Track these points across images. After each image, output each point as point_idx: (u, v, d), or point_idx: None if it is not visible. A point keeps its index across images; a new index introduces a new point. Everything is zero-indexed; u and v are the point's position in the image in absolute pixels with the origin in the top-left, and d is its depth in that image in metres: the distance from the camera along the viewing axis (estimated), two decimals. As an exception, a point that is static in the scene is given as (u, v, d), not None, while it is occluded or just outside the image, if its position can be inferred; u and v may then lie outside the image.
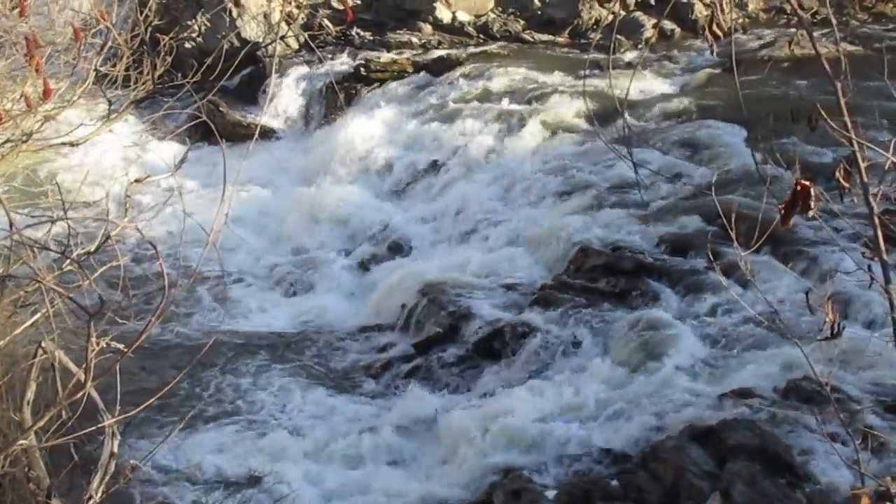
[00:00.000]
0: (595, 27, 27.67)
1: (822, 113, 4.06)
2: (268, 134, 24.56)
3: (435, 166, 20.86)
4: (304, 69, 26.31)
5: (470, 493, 11.94)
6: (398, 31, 28.24)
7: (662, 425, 11.99)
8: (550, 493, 11.37)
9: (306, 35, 25.19)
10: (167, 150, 19.90)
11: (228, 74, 7.69)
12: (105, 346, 4.73)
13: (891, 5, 27.58)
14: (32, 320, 5.70)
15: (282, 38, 25.28)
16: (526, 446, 12.32)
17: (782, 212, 4.06)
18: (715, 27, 4.88)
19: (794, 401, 11.88)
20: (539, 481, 11.74)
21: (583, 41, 27.47)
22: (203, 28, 26.72)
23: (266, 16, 26.93)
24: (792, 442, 11.11)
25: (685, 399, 12.37)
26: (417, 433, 13.54)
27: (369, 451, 13.30)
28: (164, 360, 14.88)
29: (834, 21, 5.15)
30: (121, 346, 4.82)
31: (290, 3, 18.18)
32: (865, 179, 4.14)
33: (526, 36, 27.97)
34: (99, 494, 5.26)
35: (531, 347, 14.37)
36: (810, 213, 4.02)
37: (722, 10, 4.88)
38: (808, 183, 4.04)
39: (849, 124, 4.15)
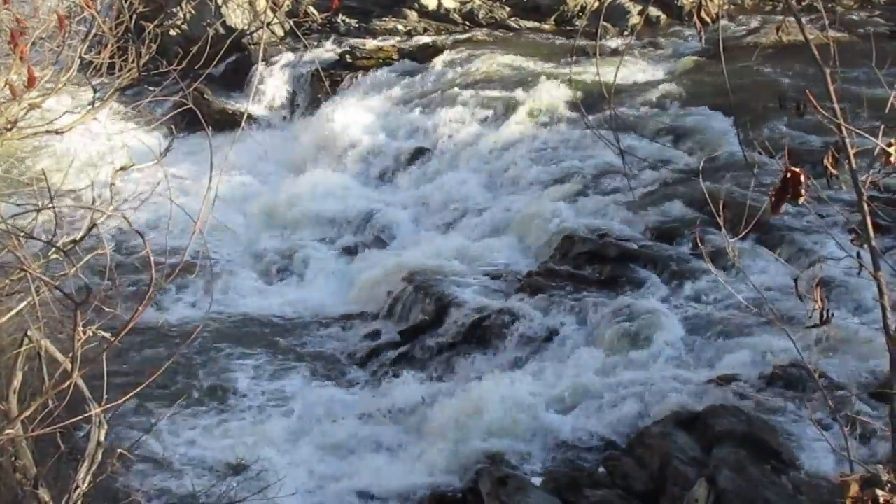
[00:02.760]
0: (581, 14, 27.65)
1: (812, 99, 4.05)
2: (254, 121, 24.49)
3: (420, 154, 20.83)
4: (289, 57, 26.27)
5: (456, 480, 11.95)
6: (383, 19, 28.21)
7: (648, 412, 12.02)
8: (537, 480, 11.37)
9: (292, 22, 25.10)
10: (153, 138, 19.79)
11: (214, 62, 7.64)
12: (91, 334, 4.70)
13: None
14: (18, 309, 5.66)
15: (267, 25, 25.22)
16: (512, 433, 12.33)
17: (773, 199, 4.05)
18: (703, 14, 4.86)
19: (780, 387, 11.93)
20: (525, 468, 11.76)
21: (569, 28, 27.45)
22: (188, 15, 26.65)
23: (251, 3, 26.85)
24: (778, 428, 11.14)
25: (671, 385, 12.39)
26: (403, 420, 13.54)
27: (356, 437, 13.30)
28: (150, 348, 14.84)
29: (821, 7, 5.14)
30: (107, 335, 4.79)
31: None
32: (854, 166, 4.14)
33: (511, 23, 27.93)
34: (86, 483, 5.23)
35: (517, 334, 14.38)
36: (800, 200, 4.01)
37: (710, -3, 4.87)
38: (798, 170, 4.03)
39: (837, 111, 4.14)
